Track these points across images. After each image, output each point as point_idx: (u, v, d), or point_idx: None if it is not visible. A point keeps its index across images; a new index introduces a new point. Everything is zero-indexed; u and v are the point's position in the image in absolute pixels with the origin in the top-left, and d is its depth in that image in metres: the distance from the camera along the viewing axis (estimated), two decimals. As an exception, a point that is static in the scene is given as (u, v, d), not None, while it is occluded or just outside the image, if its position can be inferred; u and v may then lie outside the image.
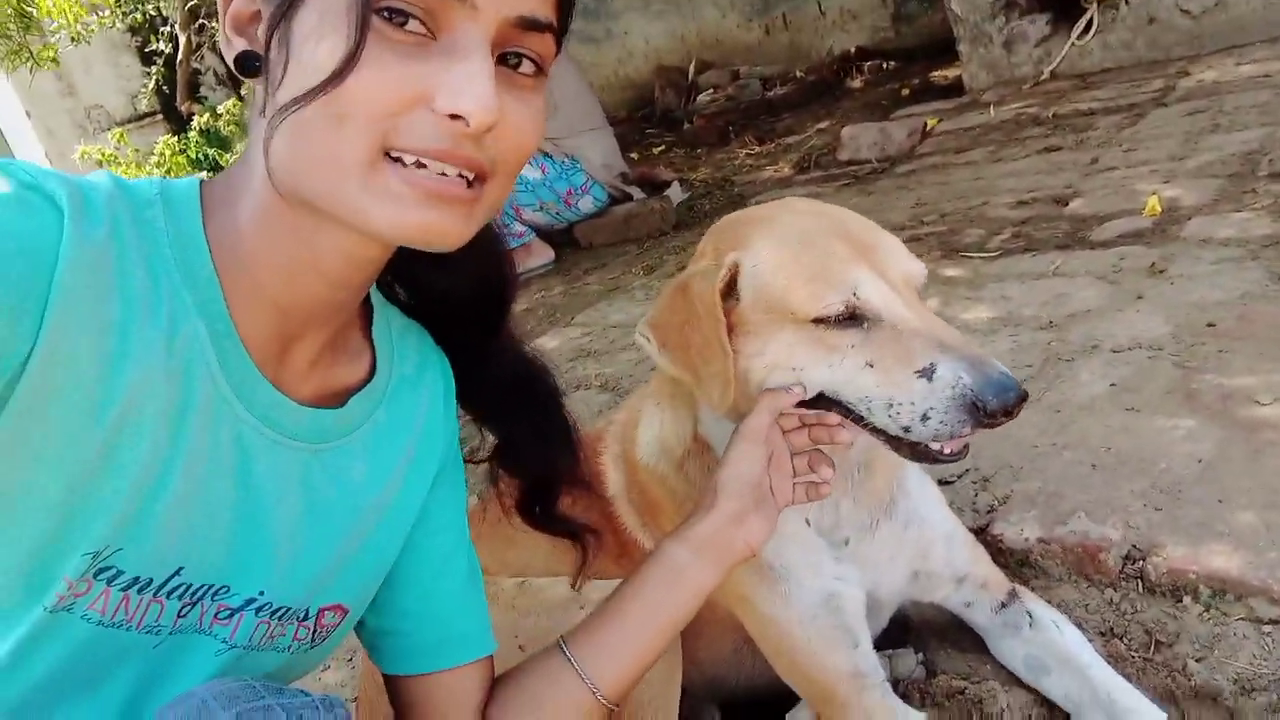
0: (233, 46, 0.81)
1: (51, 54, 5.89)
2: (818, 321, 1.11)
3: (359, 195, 0.76)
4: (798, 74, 7.09)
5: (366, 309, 1.02)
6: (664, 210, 4.47)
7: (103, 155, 5.68)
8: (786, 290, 1.13)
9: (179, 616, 0.88)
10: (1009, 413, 1.02)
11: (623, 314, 3.33)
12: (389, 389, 1.00)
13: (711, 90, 7.31)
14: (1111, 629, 1.39)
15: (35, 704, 0.86)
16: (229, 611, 0.91)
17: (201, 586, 0.88)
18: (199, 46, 8.91)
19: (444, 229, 0.79)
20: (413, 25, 0.74)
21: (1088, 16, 4.56)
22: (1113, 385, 1.84)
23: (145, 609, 0.86)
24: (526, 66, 0.81)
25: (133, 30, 9.18)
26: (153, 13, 8.12)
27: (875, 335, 1.10)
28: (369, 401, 0.98)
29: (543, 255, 4.44)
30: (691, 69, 7.65)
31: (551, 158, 4.33)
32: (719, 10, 7.73)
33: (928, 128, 4.55)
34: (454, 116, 0.74)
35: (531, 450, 1.11)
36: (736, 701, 1.53)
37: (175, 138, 6.32)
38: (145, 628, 0.87)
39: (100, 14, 7.34)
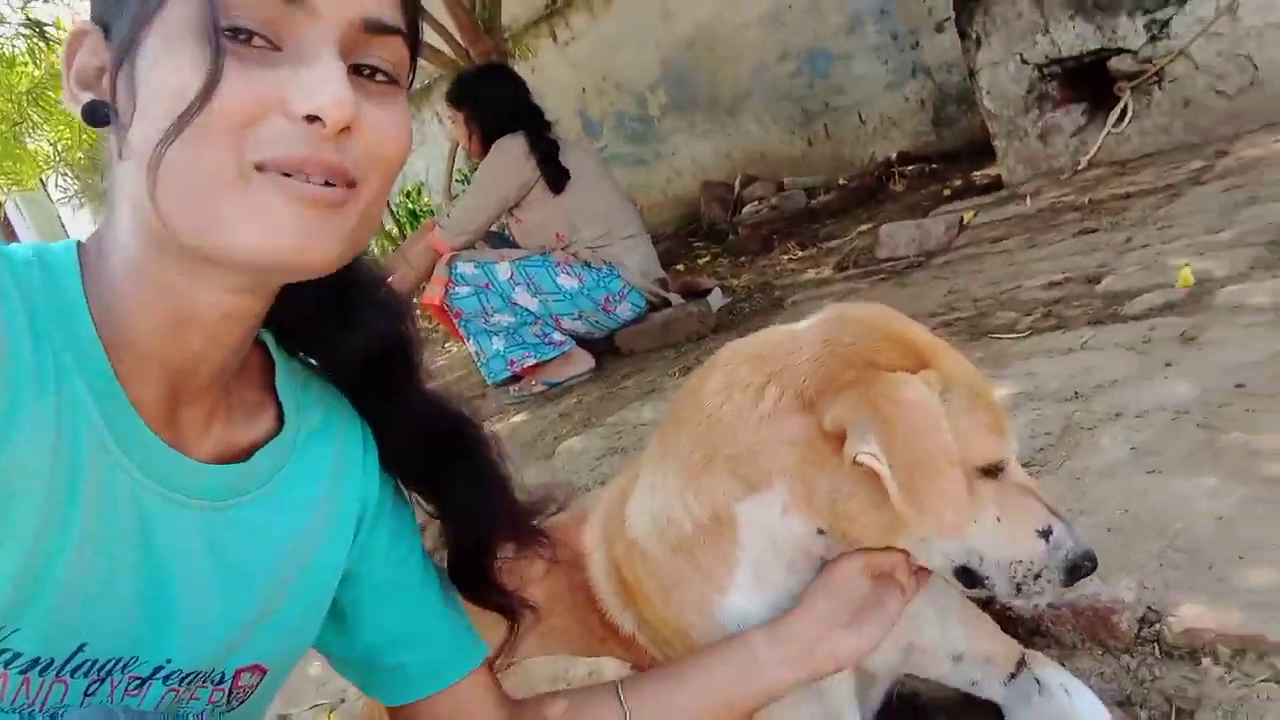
0: (79, 100, 0.81)
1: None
2: (979, 470, 1.08)
3: (230, 216, 0.75)
4: (841, 182, 7.16)
5: (269, 363, 1.00)
6: (703, 314, 4.48)
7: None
8: (968, 429, 1.07)
9: (86, 695, 0.83)
10: (1082, 577, 1.08)
11: (654, 412, 3.31)
12: (297, 441, 0.98)
13: (756, 202, 7.40)
14: (1130, 697, 1.29)
15: None
16: (139, 681, 0.87)
17: (109, 661, 0.84)
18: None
19: (315, 245, 0.77)
20: (257, 41, 0.74)
21: (1122, 104, 4.53)
22: (1134, 449, 1.76)
23: (48, 691, 0.81)
24: (380, 77, 0.81)
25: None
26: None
27: (1003, 489, 1.10)
28: (278, 454, 0.95)
29: (583, 363, 4.47)
30: (736, 183, 7.78)
31: (590, 265, 4.39)
32: (762, 126, 7.90)
33: (965, 222, 4.53)
34: (310, 119, 0.74)
35: (462, 501, 1.07)
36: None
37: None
38: (50, 709, 0.81)
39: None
